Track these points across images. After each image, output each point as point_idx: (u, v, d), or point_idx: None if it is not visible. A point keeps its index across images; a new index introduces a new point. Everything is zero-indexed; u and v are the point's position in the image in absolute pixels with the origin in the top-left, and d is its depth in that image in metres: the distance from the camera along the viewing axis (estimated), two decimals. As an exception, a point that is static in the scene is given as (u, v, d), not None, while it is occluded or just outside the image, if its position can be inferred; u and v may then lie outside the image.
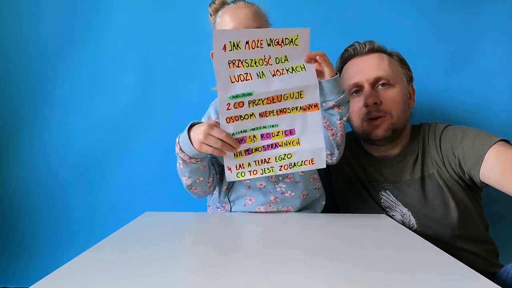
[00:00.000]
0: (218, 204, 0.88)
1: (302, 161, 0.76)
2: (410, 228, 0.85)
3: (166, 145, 1.20)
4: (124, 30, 1.18)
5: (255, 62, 0.70)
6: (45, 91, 1.19)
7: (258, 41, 0.69)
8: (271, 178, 0.82)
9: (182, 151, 0.73)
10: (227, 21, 0.79)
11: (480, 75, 1.13)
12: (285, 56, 0.71)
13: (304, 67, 0.71)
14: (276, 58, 0.71)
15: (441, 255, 0.53)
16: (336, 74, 0.72)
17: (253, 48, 0.69)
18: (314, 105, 0.73)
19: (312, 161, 0.76)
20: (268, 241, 0.62)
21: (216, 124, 0.72)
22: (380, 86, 0.87)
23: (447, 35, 1.13)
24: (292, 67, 0.71)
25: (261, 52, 0.70)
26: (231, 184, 0.84)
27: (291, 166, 0.76)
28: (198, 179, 0.79)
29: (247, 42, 0.68)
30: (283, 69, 0.71)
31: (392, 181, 0.89)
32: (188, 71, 1.17)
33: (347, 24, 1.15)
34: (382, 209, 0.90)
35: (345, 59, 0.94)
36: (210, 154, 0.84)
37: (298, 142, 0.75)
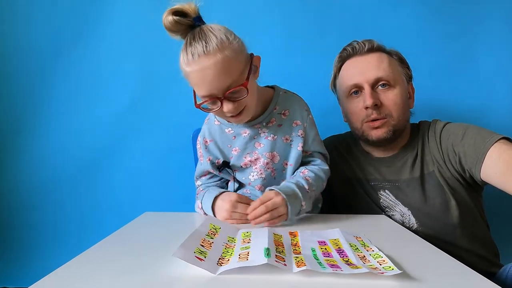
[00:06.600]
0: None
1: None
2: (410, 228, 0.85)
3: (166, 146, 1.20)
4: (124, 31, 1.18)
5: None
6: (46, 92, 1.19)
7: None
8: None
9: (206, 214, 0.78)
10: (196, 79, 0.70)
11: (481, 75, 1.13)
12: None
13: None
14: None
15: (440, 254, 0.53)
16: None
17: None
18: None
19: None
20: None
21: (239, 199, 0.73)
22: (380, 87, 0.85)
23: (448, 35, 1.13)
24: None
25: None
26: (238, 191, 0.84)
27: None
28: None
29: None
30: None
31: (392, 180, 0.89)
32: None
33: (347, 24, 1.15)
34: (381, 209, 0.89)
35: (343, 58, 0.92)
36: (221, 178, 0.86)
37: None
